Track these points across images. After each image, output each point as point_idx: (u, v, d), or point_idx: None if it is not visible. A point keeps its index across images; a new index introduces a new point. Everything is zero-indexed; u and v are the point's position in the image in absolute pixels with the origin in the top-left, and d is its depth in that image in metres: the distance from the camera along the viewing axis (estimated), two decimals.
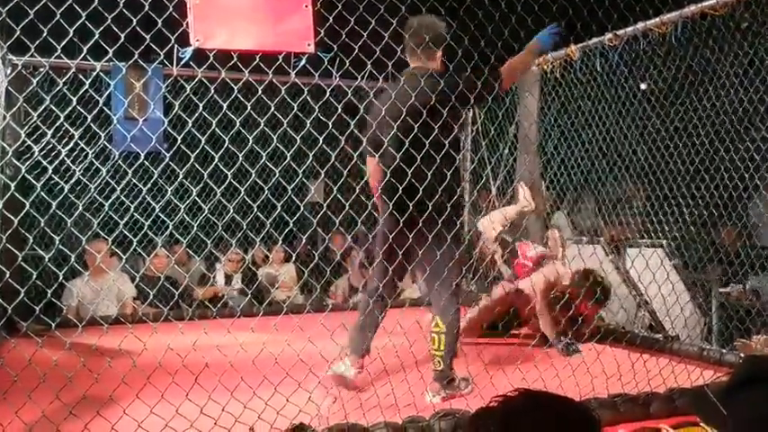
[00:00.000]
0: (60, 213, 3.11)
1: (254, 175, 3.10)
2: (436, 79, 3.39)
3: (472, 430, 1.21)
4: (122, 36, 2.58)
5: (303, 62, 3.41)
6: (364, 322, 3.59)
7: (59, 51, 2.54)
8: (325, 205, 3.48)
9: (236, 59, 2.78)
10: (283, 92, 3.15)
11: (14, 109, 4.60)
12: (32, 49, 2.53)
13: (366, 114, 3.56)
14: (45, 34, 2.48)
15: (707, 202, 4.46)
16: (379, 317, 3.59)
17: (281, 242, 6.74)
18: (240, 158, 3.00)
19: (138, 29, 2.59)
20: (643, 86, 5.18)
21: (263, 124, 3.01)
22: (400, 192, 3.22)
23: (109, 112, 5.09)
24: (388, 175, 3.31)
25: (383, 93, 3.57)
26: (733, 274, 4.65)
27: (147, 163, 4.42)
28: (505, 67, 3.50)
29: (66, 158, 3.62)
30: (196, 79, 3.12)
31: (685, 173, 4.67)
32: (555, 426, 1.13)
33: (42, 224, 2.76)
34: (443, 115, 3.31)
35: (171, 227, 3.43)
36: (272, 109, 3.34)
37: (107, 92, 5.00)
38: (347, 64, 3.08)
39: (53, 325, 2.74)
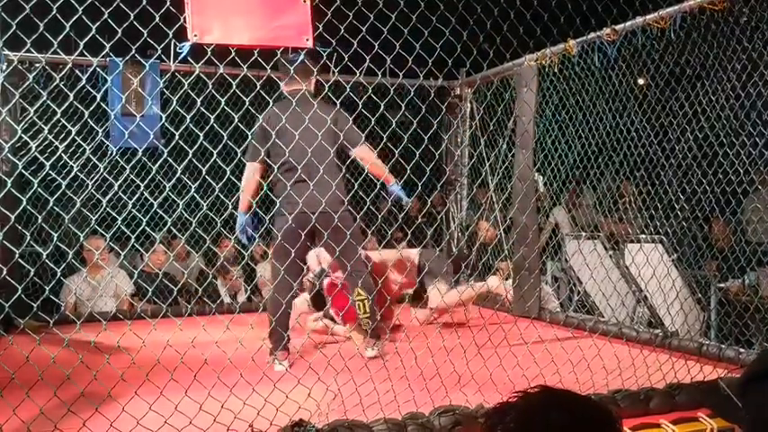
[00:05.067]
0: (58, 209, 3.10)
1: None
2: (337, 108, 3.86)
3: (489, 425, 1.18)
4: (119, 31, 2.56)
5: (301, 57, 3.40)
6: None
7: (56, 47, 2.52)
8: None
9: (234, 54, 2.76)
10: (281, 88, 3.14)
11: (11, 105, 4.58)
12: (29, 45, 2.52)
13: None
14: (41, 29, 2.47)
15: (699, 197, 4.43)
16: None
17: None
18: (239, 154, 2.99)
19: (136, 24, 2.57)
20: (641, 81, 5.17)
21: (260, 120, 3.00)
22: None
23: (106, 107, 5.07)
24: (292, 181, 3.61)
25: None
26: (728, 269, 4.63)
27: (144, 159, 4.42)
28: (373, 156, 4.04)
29: (63, 154, 3.60)
30: (194, 75, 3.10)
31: (681, 168, 4.65)
32: (574, 424, 1.11)
33: (40, 220, 2.75)
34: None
35: (169, 223, 3.42)
36: (271, 105, 3.33)
37: (104, 88, 4.98)
38: (345, 59, 3.06)
39: (51, 322, 2.72)
